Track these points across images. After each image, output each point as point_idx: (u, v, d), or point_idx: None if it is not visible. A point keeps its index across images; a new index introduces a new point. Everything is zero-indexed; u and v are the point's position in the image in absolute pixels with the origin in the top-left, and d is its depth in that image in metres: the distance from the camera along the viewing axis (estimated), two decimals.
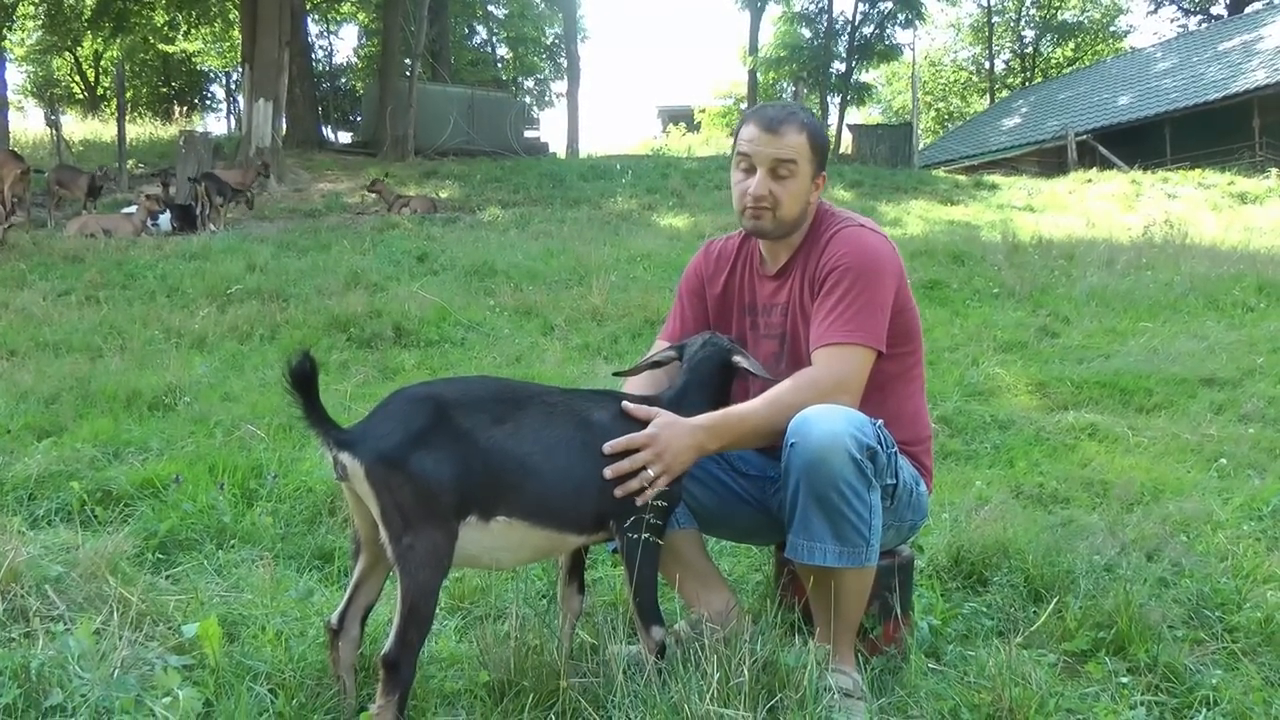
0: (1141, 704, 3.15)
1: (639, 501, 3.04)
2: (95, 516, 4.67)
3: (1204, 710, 3.14)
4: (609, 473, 3.02)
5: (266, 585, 3.77)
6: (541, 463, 2.94)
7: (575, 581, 3.35)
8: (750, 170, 3.45)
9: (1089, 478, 5.82)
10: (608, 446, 3.04)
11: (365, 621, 3.04)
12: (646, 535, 3.03)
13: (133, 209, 17.54)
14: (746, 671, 2.82)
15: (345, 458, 2.72)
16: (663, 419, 3.12)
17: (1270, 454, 6.33)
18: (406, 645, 2.70)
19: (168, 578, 4.05)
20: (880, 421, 3.17)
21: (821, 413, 3.06)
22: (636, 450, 3.05)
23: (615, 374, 3.75)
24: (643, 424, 3.11)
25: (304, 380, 2.69)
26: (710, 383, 3.40)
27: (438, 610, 3.41)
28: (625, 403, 3.19)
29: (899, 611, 3.49)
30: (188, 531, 4.55)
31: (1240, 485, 5.66)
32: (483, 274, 13.08)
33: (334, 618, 2.99)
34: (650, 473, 3.03)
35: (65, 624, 3.23)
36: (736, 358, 3.40)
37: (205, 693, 2.90)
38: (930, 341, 8.27)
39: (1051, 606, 3.63)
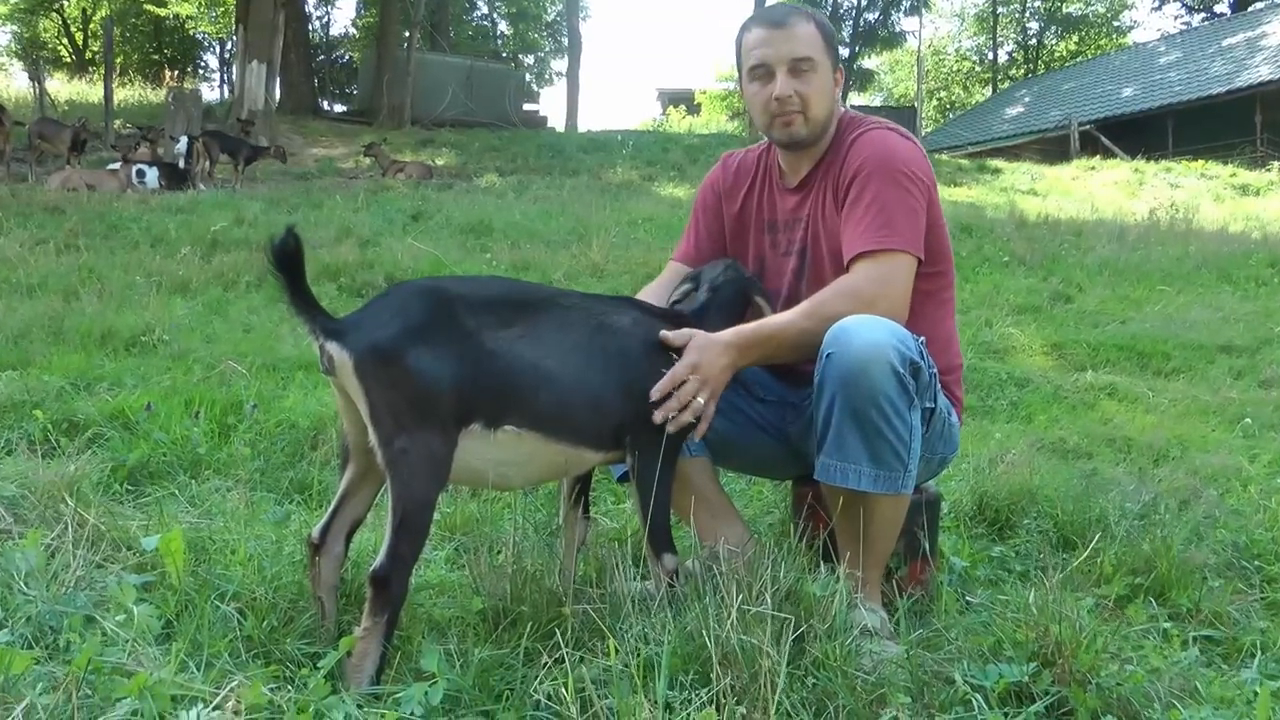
0: (1195, 643, 2.93)
1: (682, 419, 2.80)
2: (59, 447, 4.31)
3: (1257, 655, 2.90)
4: (658, 416, 2.79)
5: (240, 511, 3.47)
6: (556, 369, 2.66)
7: (580, 506, 3.08)
8: (768, 76, 3.18)
9: (1111, 434, 5.64)
10: (655, 391, 2.80)
11: (350, 540, 2.75)
12: (670, 442, 2.79)
13: (118, 165, 17.15)
14: (769, 599, 2.53)
15: (333, 348, 2.42)
16: (697, 341, 2.89)
17: None
18: (398, 560, 2.42)
19: (134, 506, 3.76)
20: (923, 339, 2.89)
21: (862, 322, 2.78)
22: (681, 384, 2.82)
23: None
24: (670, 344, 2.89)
25: (289, 259, 2.39)
26: (728, 307, 3.17)
27: (428, 540, 3.10)
28: (663, 333, 2.92)
29: (928, 550, 3.22)
30: (159, 462, 4.26)
31: (1267, 444, 5.49)
32: (479, 232, 12.76)
33: (315, 532, 2.69)
34: (699, 400, 2.80)
35: (15, 541, 2.94)
36: (756, 296, 3.20)
37: (165, 611, 2.61)
38: None
39: (1090, 548, 3.36)
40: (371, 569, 2.41)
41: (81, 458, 3.84)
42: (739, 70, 3.34)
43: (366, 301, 2.64)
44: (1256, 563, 3.61)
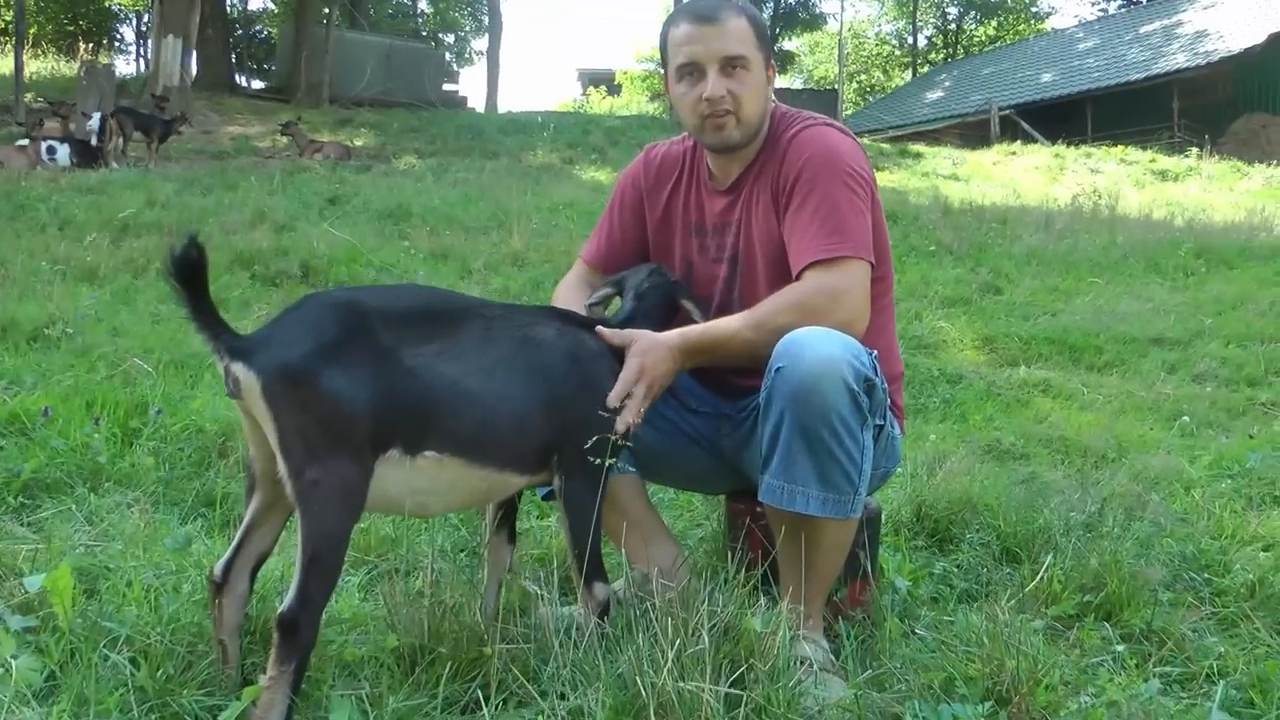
0: (1155, 674, 2.80)
1: (621, 426, 2.63)
2: None
3: (1219, 681, 2.76)
4: (620, 425, 2.65)
5: (139, 534, 3.24)
6: (479, 387, 2.46)
7: (505, 530, 2.88)
8: (698, 75, 2.96)
9: (1047, 434, 5.57)
10: (612, 398, 2.67)
11: (255, 576, 2.52)
12: (609, 461, 2.61)
13: (26, 141, 16.60)
14: (707, 638, 2.36)
15: (239, 369, 2.20)
16: (641, 344, 2.75)
17: (1230, 413, 6.21)
18: (307, 602, 2.20)
19: (27, 524, 3.53)
20: (875, 352, 2.73)
21: (815, 335, 2.61)
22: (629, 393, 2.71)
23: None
24: (606, 347, 2.75)
25: (190, 271, 2.16)
26: (656, 314, 2.97)
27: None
28: (600, 329, 2.77)
29: (869, 570, 3.07)
30: (56, 472, 3.99)
31: (1206, 444, 5.46)
32: (397, 217, 12.49)
33: (218, 569, 2.46)
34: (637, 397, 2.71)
35: None
36: (684, 301, 3.02)
37: (49, 661, 2.37)
38: None
39: (1044, 570, 3.22)
40: (279, 612, 2.19)
41: None
42: (664, 67, 3.11)
43: (275, 315, 2.42)
44: (1205, 574, 3.50)
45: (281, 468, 2.22)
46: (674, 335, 2.79)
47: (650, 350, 2.72)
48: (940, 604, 3.27)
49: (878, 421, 2.74)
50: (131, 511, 3.56)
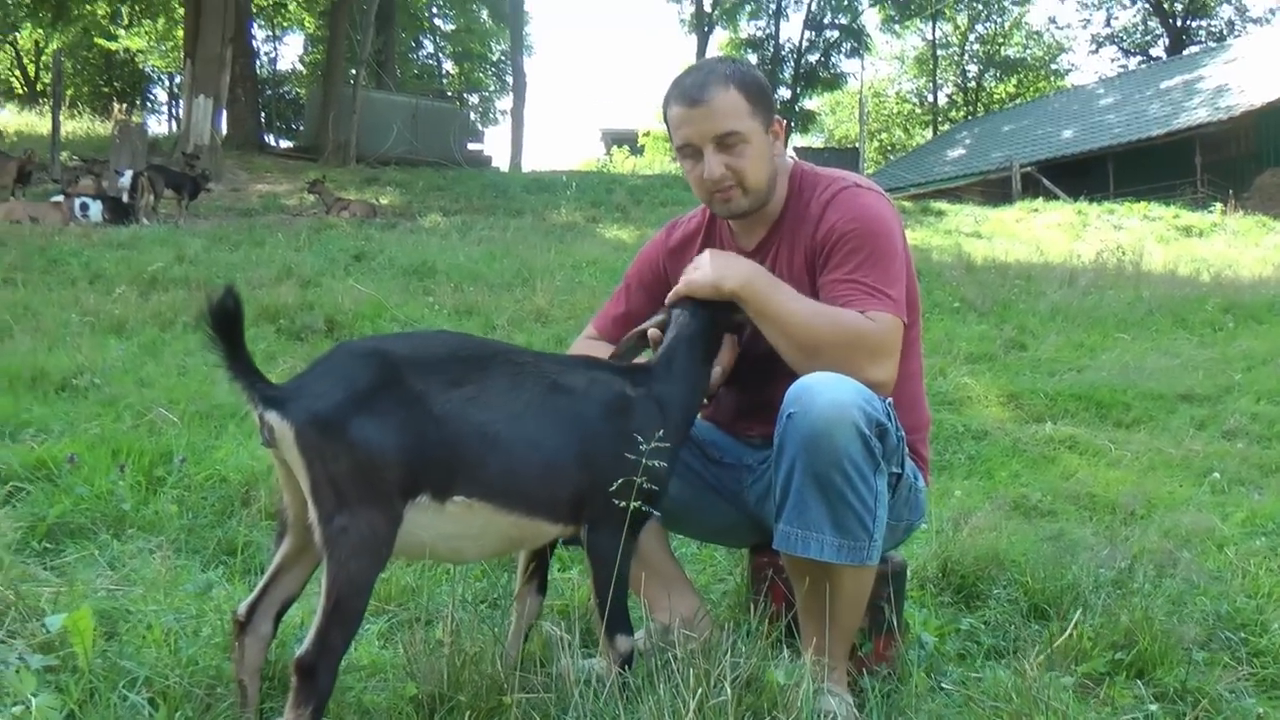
0: None
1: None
2: None
3: None
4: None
5: (161, 579, 3.25)
6: (506, 433, 2.47)
7: (536, 580, 2.89)
8: (696, 155, 2.97)
9: (1074, 490, 5.54)
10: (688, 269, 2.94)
11: (279, 620, 2.53)
12: (637, 505, 2.58)
13: (61, 197, 16.85)
14: (729, 689, 2.33)
15: (273, 418, 2.24)
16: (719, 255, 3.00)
17: (1262, 470, 6.15)
18: (327, 648, 2.22)
19: (50, 568, 3.53)
20: (890, 400, 2.72)
21: (827, 380, 2.61)
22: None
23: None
24: (641, 396, 2.76)
25: (227, 320, 2.20)
26: (699, 343, 2.95)
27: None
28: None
29: (894, 625, 3.04)
30: (81, 518, 4.02)
31: (1237, 501, 5.40)
32: (422, 274, 12.57)
33: (242, 608, 2.48)
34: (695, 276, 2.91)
35: None
36: (735, 316, 2.96)
37: (68, 701, 2.37)
38: None
39: (1071, 625, 3.18)
40: (298, 655, 2.21)
41: None
42: (670, 142, 3.13)
43: (308, 365, 2.44)
44: (1241, 634, 3.44)
45: (312, 514, 2.25)
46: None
47: (730, 256, 2.94)
48: (968, 660, 3.23)
49: (894, 469, 2.75)
50: (154, 557, 3.58)
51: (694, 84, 2.95)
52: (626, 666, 2.62)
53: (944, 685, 2.98)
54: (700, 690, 2.30)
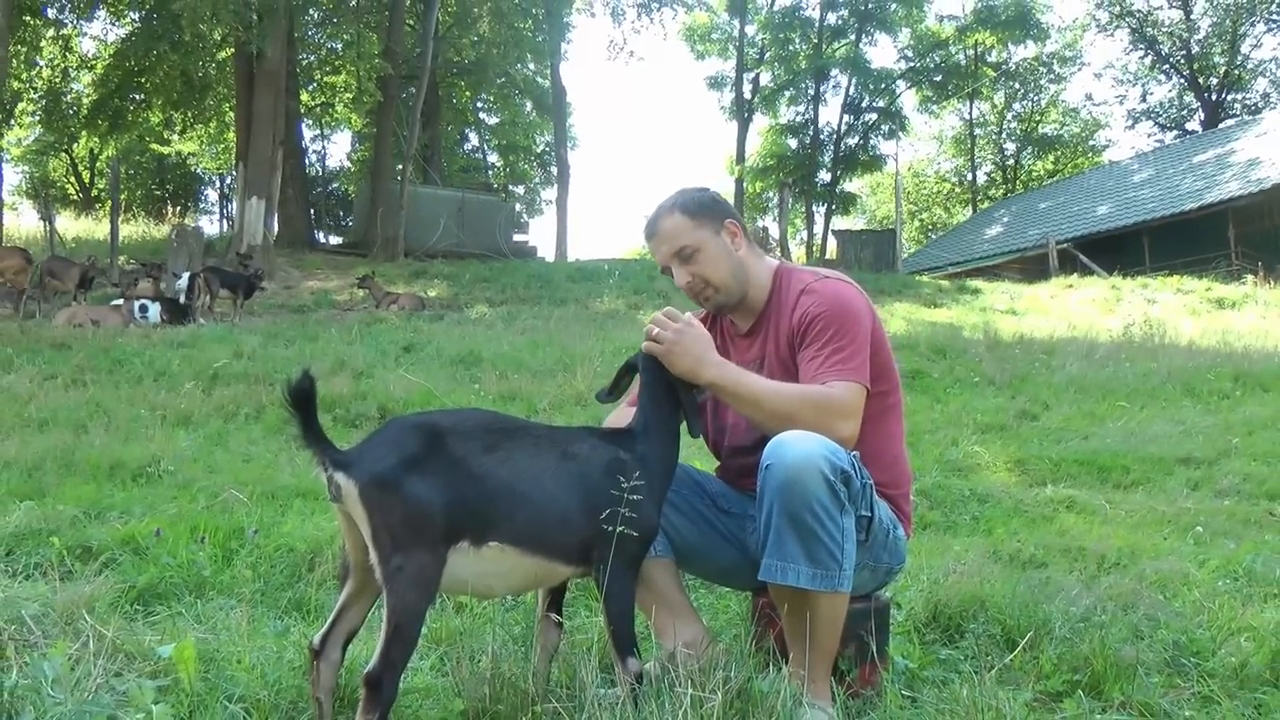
0: None
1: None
2: (74, 571, 4.63)
3: None
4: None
5: (243, 627, 3.77)
6: (531, 489, 3.01)
7: (552, 614, 3.38)
8: (669, 272, 3.66)
9: (1067, 545, 5.83)
10: (651, 324, 3.36)
11: (347, 648, 3.07)
12: (631, 557, 3.13)
13: (121, 301, 17.58)
14: (720, 697, 2.83)
15: (340, 477, 2.78)
16: (697, 325, 3.38)
17: (1244, 523, 6.41)
18: (390, 664, 2.74)
19: (145, 624, 4.04)
20: (856, 453, 3.23)
21: (796, 437, 3.13)
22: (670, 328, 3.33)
23: (599, 397, 3.81)
24: (632, 460, 3.23)
25: (303, 399, 2.77)
26: (664, 404, 3.45)
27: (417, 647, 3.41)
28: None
29: (876, 654, 3.50)
30: (167, 584, 4.55)
31: (1216, 550, 5.69)
32: (468, 363, 13.10)
33: (316, 639, 3.01)
34: (657, 336, 3.32)
35: (41, 652, 3.23)
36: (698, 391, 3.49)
37: (180, 711, 2.91)
38: (910, 424, 8.28)
39: (1025, 641, 3.65)
40: (366, 671, 2.73)
41: (96, 580, 4.15)
42: None
43: (367, 435, 3.00)
44: (1194, 659, 3.81)
45: (372, 556, 2.78)
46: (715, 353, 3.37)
47: (697, 333, 3.34)
48: (945, 685, 3.61)
49: (863, 512, 3.24)
50: (234, 613, 4.08)
51: (650, 220, 3.66)
52: (638, 684, 3.10)
53: (916, 700, 3.42)
54: (693, 696, 2.81)
